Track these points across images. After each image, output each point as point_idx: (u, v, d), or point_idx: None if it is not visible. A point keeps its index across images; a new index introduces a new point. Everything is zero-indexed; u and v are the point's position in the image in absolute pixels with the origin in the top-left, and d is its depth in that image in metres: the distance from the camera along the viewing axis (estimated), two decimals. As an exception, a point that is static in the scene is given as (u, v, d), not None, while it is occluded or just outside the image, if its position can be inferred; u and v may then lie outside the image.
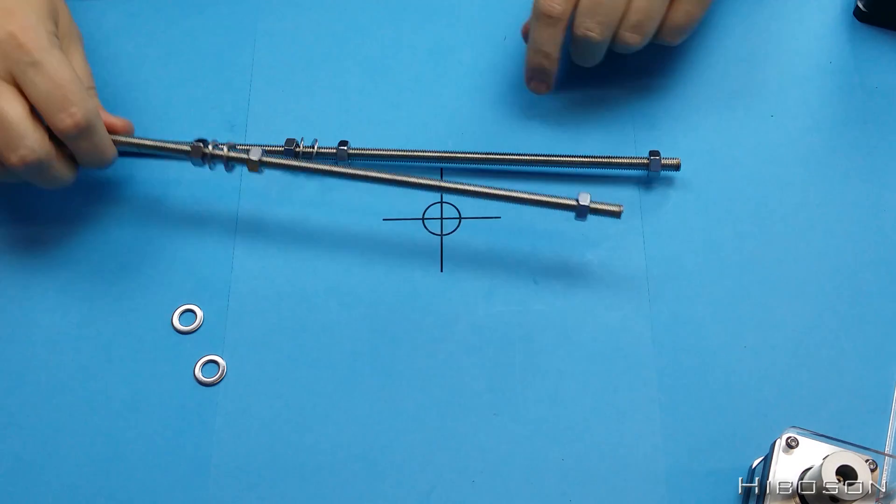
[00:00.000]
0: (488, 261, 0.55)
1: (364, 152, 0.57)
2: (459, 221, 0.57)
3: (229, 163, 0.53)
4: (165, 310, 0.55)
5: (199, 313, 0.55)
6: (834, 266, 0.54)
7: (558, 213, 0.55)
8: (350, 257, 0.55)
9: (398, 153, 0.57)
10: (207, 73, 0.62)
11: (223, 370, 0.53)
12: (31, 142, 0.49)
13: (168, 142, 0.54)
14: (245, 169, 0.53)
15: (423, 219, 0.57)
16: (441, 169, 0.58)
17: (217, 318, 0.54)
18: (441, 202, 0.58)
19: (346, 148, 0.57)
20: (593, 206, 0.51)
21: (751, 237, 0.55)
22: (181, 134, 0.59)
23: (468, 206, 0.57)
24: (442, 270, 0.55)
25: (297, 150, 0.57)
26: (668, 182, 0.57)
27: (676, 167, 0.56)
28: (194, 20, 0.63)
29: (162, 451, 0.51)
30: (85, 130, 0.50)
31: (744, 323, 0.53)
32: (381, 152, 0.57)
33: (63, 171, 0.52)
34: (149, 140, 0.54)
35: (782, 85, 0.60)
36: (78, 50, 0.55)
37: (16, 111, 0.49)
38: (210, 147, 0.53)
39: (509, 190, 0.52)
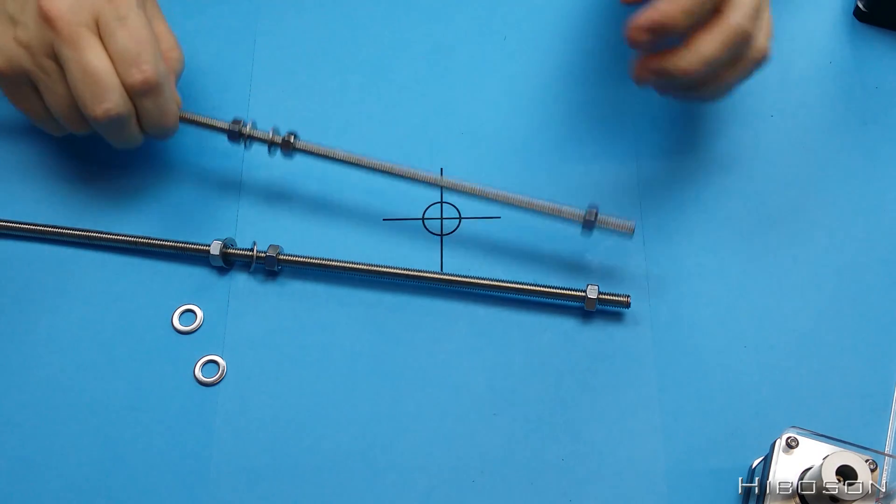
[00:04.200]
0: (488, 261, 0.55)
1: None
2: (459, 221, 0.57)
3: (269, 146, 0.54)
4: (165, 310, 0.55)
5: (199, 313, 0.55)
6: (834, 266, 0.54)
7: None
8: (350, 257, 0.55)
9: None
10: (207, 73, 0.62)
11: (223, 370, 0.53)
12: (116, 95, 0.50)
13: (212, 119, 0.55)
14: (244, 169, 0.52)
15: (423, 219, 0.57)
16: (441, 168, 0.58)
17: (217, 318, 0.54)
18: (441, 202, 0.58)
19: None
20: (602, 220, 0.51)
21: (751, 237, 0.55)
22: (181, 134, 0.59)
23: (468, 206, 0.57)
24: (442, 270, 0.55)
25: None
26: (669, 182, 0.57)
27: None
28: (194, 20, 0.62)
29: (162, 451, 0.51)
30: (154, 88, 0.51)
31: (744, 323, 0.53)
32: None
33: (136, 131, 0.53)
34: (199, 116, 0.55)
35: (782, 85, 0.60)
36: (160, 17, 0.55)
37: (103, 64, 0.49)
38: (248, 128, 0.54)
39: (510, 194, 0.51)
